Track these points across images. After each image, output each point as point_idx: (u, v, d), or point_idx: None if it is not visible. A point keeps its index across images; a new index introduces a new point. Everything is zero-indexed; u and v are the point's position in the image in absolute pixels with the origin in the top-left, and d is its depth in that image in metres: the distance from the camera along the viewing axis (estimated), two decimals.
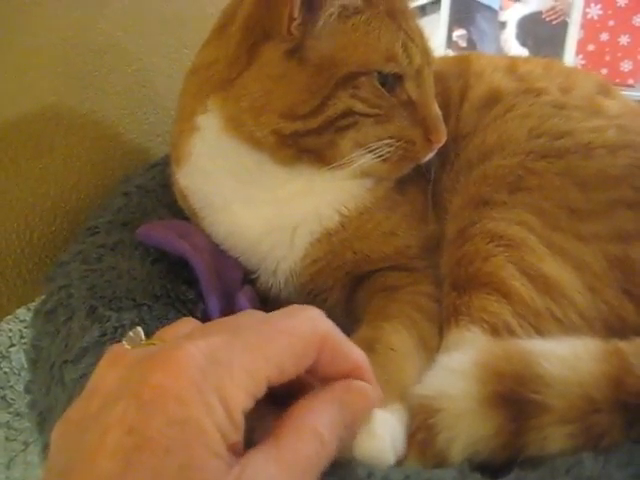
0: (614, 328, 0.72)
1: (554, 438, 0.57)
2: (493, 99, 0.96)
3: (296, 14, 0.77)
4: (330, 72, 0.78)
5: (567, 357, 0.61)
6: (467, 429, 0.58)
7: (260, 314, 0.55)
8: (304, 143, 0.81)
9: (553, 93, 0.94)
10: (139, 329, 0.56)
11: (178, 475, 0.41)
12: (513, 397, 0.58)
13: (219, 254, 0.89)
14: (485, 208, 0.81)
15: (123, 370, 0.47)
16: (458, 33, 3.28)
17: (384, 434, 0.58)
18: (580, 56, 4.10)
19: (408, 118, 0.83)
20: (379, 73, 0.79)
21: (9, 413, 0.94)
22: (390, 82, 0.81)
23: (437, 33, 3.31)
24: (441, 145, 0.84)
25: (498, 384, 0.59)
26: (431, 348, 0.75)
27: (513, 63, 1.02)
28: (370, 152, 0.81)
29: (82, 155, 1.02)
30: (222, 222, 0.89)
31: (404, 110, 0.82)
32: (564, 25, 3.02)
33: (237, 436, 0.45)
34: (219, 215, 0.89)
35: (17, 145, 0.92)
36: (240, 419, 0.45)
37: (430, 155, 0.85)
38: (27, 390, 0.81)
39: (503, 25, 3.23)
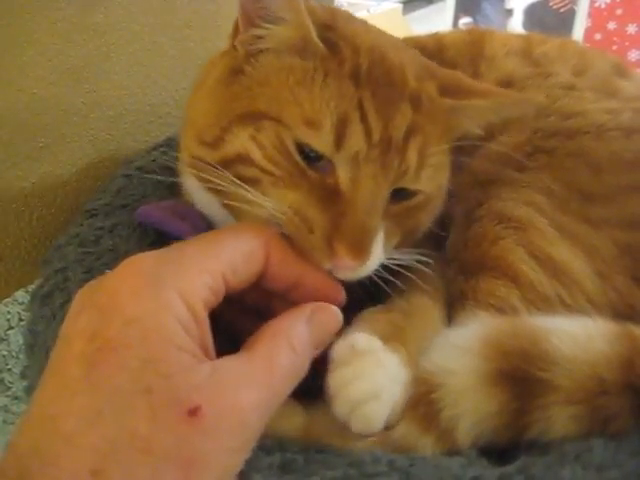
0: (623, 315, 0.70)
1: (558, 419, 0.56)
2: (505, 87, 0.90)
3: (241, 28, 0.69)
4: (243, 102, 0.67)
5: (579, 335, 0.60)
6: (471, 406, 0.57)
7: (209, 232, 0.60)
8: (209, 178, 0.67)
9: (564, 74, 0.91)
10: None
11: (142, 369, 0.42)
12: (518, 374, 0.57)
13: None
14: (492, 187, 0.79)
15: (85, 291, 0.49)
16: (464, 21, 3.27)
17: (387, 400, 0.57)
18: (587, 45, 4.08)
19: (321, 201, 0.63)
20: (300, 143, 0.63)
21: (7, 396, 0.93)
22: (311, 154, 0.63)
23: (443, 21, 3.30)
24: (349, 268, 0.62)
25: (503, 361, 0.58)
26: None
27: (528, 44, 0.97)
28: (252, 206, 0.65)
29: (82, 135, 1.00)
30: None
31: (322, 192, 0.63)
32: (571, 13, 3.01)
33: (202, 331, 0.47)
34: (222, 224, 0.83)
35: (15, 125, 0.91)
36: (202, 312, 0.47)
37: (328, 266, 0.61)
38: (23, 375, 0.81)
39: (510, 13, 3.22)
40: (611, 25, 4.17)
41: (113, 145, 1.05)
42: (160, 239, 0.84)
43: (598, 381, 0.57)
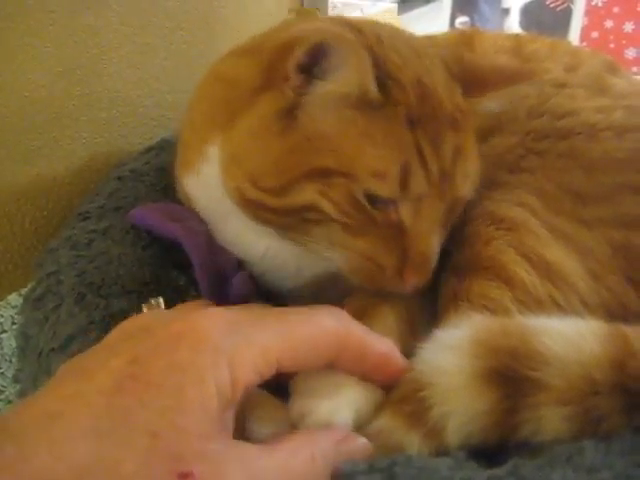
0: (616, 315, 0.70)
1: (550, 419, 0.56)
2: None
3: (291, 73, 0.68)
4: (306, 157, 0.67)
5: (570, 335, 0.59)
6: (460, 405, 0.56)
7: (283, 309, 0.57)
8: (269, 218, 0.71)
9: (555, 72, 0.91)
10: (160, 299, 0.59)
11: (161, 414, 0.42)
12: (509, 373, 0.57)
13: (213, 238, 0.85)
14: (485, 189, 0.78)
15: (145, 319, 0.50)
16: (461, 20, 3.27)
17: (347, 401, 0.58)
18: (584, 43, 4.10)
19: (388, 241, 0.68)
20: (370, 192, 0.66)
21: (0, 400, 0.92)
22: (377, 199, 0.67)
23: (440, 20, 3.30)
24: (419, 282, 0.69)
25: (493, 359, 0.57)
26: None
27: (518, 43, 0.98)
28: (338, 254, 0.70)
29: (75, 138, 1.00)
30: (225, 234, 0.84)
31: (388, 231, 0.68)
32: (568, 12, 3.02)
33: (232, 408, 0.46)
34: (222, 226, 0.84)
35: (7, 128, 0.90)
36: (240, 392, 0.46)
37: (400, 288, 0.69)
38: (16, 379, 0.80)
39: (506, 12, 3.23)
40: (608, 23, 4.17)
41: (106, 148, 1.05)
42: (154, 242, 0.85)
43: (589, 381, 0.56)
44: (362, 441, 0.55)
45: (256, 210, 0.72)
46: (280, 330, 0.50)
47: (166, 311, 0.51)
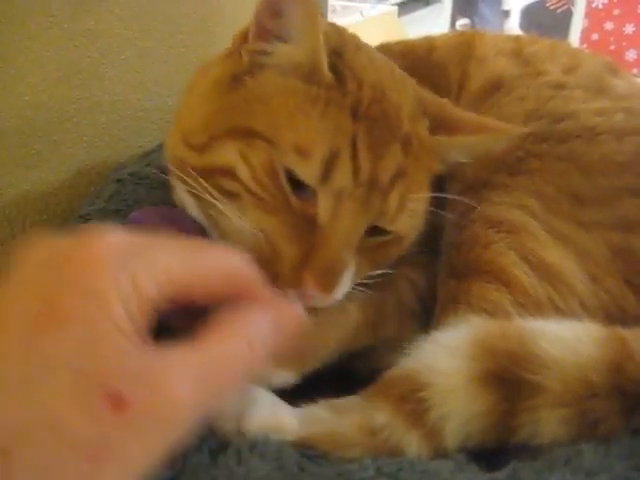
0: (615, 318, 0.70)
1: (547, 422, 0.56)
2: (494, 87, 0.92)
3: (250, 37, 0.68)
4: (237, 115, 0.67)
5: (568, 338, 0.60)
6: (459, 406, 0.57)
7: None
8: (191, 180, 0.68)
9: (553, 73, 0.91)
10: None
11: (79, 347, 0.40)
12: (507, 376, 0.57)
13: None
14: (484, 191, 0.79)
15: (43, 252, 0.46)
16: (461, 22, 3.28)
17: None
18: (584, 45, 4.10)
19: (298, 232, 0.64)
20: (289, 170, 0.64)
21: None
22: (298, 183, 0.64)
23: (440, 22, 3.31)
24: (314, 298, 0.63)
25: (491, 362, 0.58)
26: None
27: (518, 45, 0.98)
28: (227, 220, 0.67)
29: (75, 142, 1.00)
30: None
31: (300, 220, 0.64)
32: (568, 14, 3.02)
33: (144, 320, 0.44)
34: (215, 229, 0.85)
35: (8, 131, 0.91)
36: (148, 310, 0.44)
37: (292, 294, 0.62)
38: None
39: (507, 14, 3.23)
40: (608, 25, 4.19)
41: (106, 151, 1.05)
42: None
43: (587, 384, 0.57)
44: (296, 311, 0.52)
45: (182, 170, 0.70)
46: (186, 255, 0.48)
47: (63, 239, 0.49)
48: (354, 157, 0.64)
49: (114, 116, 1.06)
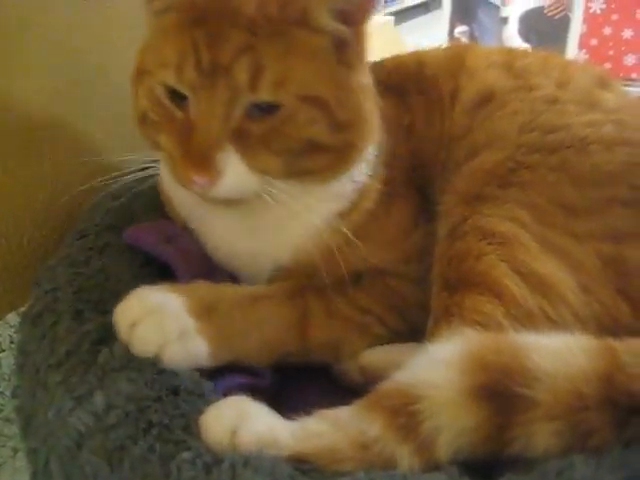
0: (607, 328, 0.71)
1: (540, 435, 0.57)
2: (486, 99, 0.93)
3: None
4: (137, 61, 0.79)
5: (559, 351, 0.60)
6: (452, 419, 0.57)
7: None
8: (148, 135, 0.80)
9: (547, 88, 0.92)
10: None
11: None
12: (499, 389, 0.58)
13: (207, 258, 0.88)
14: (476, 203, 0.80)
15: None
16: (460, 29, 3.28)
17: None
18: (583, 50, 4.10)
19: (181, 135, 0.73)
20: (164, 84, 0.74)
21: None
22: (179, 95, 0.74)
23: (439, 29, 3.31)
24: (202, 185, 0.72)
25: (484, 376, 0.58)
26: None
27: (510, 57, 0.99)
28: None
29: (72, 157, 1.01)
30: (204, 232, 0.89)
31: (183, 125, 0.74)
32: (566, 20, 3.02)
33: None
34: (200, 224, 0.89)
35: (7, 150, 0.92)
36: None
37: (194, 188, 0.73)
38: (14, 395, 0.81)
39: (505, 21, 3.23)
40: (607, 30, 4.19)
41: (103, 167, 1.06)
42: (150, 260, 0.86)
43: (578, 396, 0.57)
44: None
45: (142, 130, 0.81)
46: None
47: None
48: (196, 53, 0.71)
49: (111, 129, 1.07)
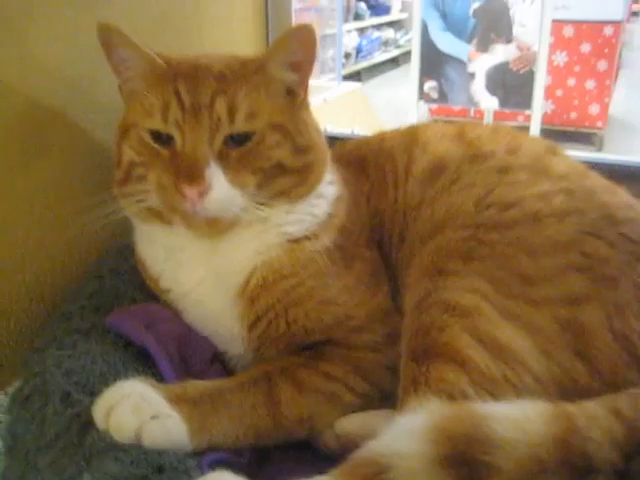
0: (567, 389, 0.76)
1: None
2: (438, 169, 1.02)
3: (118, 79, 0.94)
4: (122, 124, 0.93)
5: (517, 419, 0.64)
6: None
7: None
8: (126, 194, 0.92)
9: (498, 156, 1.00)
10: None
11: None
12: (463, 458, 0.61)
13: (189, 337, 0.93)
14: (440, 277, 0.85)
15: None
16: (429, 85, 3.36)
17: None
18: (550, 100, 4.22)
19: (168, 166, 0.87)
20: (148, 129, 0.88)
21: None
22: (164, 137, 0.88)
23: (408, 85, 3.40)
24: (195, 199, 0.84)
25: (449, 445, 0.62)
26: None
27: (462, 130, 1.08)
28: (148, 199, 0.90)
29: (56, 239, 1.05)
30: (174, 289, 0.97)
31: (169, 159, 0.87)
32: (531, 74, 3.12)
33: None
34: (171, 283, 0.97)
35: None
36: None
37: (187, 205, 0.85)
38: (4, 477, 0.83)
39: (472, 76, 3.32)
40: (571, 81, 4.33)
41: (88, 244, 1.10)
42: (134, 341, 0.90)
43: (537, 461, 0.61)
44: None
45: (119, 194, 0.93)
46: None
47: None
48: (178, 97, 0.87)
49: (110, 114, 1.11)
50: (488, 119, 3.24)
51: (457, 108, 4.08)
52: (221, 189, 0.85)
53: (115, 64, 0.92)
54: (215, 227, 0.89)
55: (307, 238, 0.94)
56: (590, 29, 4.16)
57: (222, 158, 0.87)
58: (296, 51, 0.91)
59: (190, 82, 0.88)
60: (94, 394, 0.78)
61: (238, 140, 0.88)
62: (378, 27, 7.03)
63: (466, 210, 0.92)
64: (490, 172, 0.96)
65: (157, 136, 0.88)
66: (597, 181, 0.98)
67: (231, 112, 0.87)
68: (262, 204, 0.90)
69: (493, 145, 1.02)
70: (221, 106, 0.87)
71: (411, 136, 1.09)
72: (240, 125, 0.88)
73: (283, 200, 0.92)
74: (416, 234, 0.97)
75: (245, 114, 0.88)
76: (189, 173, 0.84)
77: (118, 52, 0.91)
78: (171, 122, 0.87)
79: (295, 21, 1.71)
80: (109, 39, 0.90)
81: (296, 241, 0.94)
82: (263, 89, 0.91)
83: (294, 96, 0.95)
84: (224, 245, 0.92)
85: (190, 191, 0.83)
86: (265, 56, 0.92)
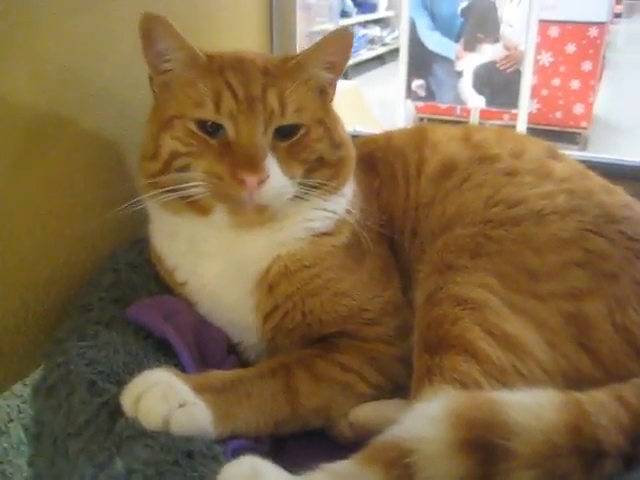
0: (572, 379, 0.80)
1: None
2: (448, 169, 1.06)
3: (152, 75, 0.96)
4: (160, 114, 0.95)
5: (531, 406, 0.68)
6: (441, 471, 0.64)
7: None
8: (160, 185, 0.92)
9: (505, 159, 1.04)
10: None
11: None
12: (482, 442, 0.65)
13: (204, 328, 0.97)
14: (449, 273, 0.89)
15: None
16: (417, 83, 3.40)
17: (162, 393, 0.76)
18: (535, 100, 4.27)
19: (222, 156, 0.90)
20: (196, 120, 0.91)
21: None
22: (210, 127, 0.91)
23: (397, 84, 3.43)
24: (255, 185, 0.87)
25: (468, 430, 0.66)
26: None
27: (468, 132, 1.13)
28: (191, 188, 0.92)
29: (75, 226, 1.07)
30: (191, 283, 1.00)
31: (221, 149, 0.90)
32: (517, 73, 3.16)
33: None
34: (188, 275, 1.00)
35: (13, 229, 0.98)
36: None
37: (244, 194, 0.88)
38: (30, 464, 0.85)
39: (460, 75, 3.36)
40: (556, 81, 4.40)
41: (101, 241, 1.12)
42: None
43: (551, 446, 0.65)
44: None
45: (152, 187, 0.93)
46: None
47: None
48: (230, 89, 0.91)
49: (109, 113, 1.15)
50: (474, 118, 3.28)
51: (444, 106, 4.13)
52: (277, 178, 0.90)
53: (153, 55, 0.94)
54: (262, 215, 0.92)
55: (328, 234, 0.98)
56: (575, 30, 4.22)
57: (273, 149, 0.91)
58: (334, 52, 0.97)
59: (240, 74, 0.93)
60: (120, 383, 0.80)
61: (284, 133, 0.93)
62: (364, 25, 7.07)
63: (475, 208, 0.96)
64: (498, 174, 1.01)
65: (201, 126, 0.91)
66: (596, 181, 1.03)
67: (282, 104, 0.92)
68: (299, 197, 0.95)
69: (498, 148, 1.07)
70: (273, 98, 0.92)
71: (421, 135, 1.14)
72: (290, 117, 0.93)
73: (318, 193, 0.97)
74: (428, 231, 1.02)
75: (294, 107, 0.93)
76: (249, 162, 0.87)
77: (160, 43, 0.93)
78: (224, 112, 0.90)
79: None
80: (153, 29, 0.92)
81: (318, 235, 0.98)
82: (305, 85, 0.96)
83: (325, 94, 1.01)
84: (249, 237, 0.95)
85: (250, 180, 0.86)
86: (306, 55, 0.97)
